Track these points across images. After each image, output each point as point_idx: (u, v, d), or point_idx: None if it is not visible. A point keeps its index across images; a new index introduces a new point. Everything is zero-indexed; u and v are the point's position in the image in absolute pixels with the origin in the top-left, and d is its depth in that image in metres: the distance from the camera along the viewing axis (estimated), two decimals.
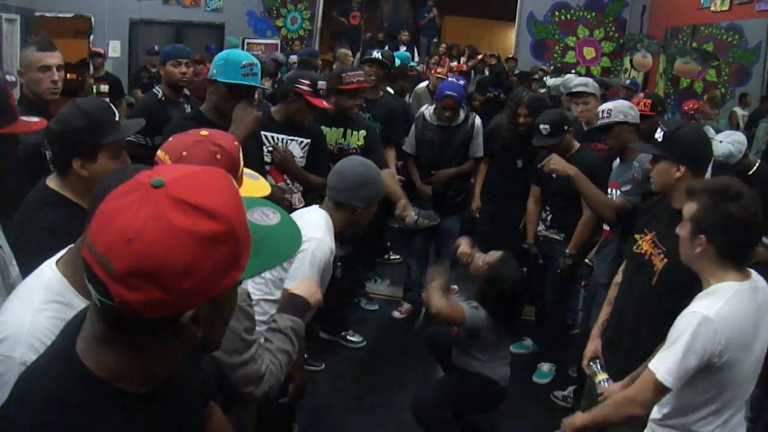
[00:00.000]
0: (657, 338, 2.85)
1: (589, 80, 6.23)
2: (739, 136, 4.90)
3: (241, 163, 2.52)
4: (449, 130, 5.96)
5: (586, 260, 4.86)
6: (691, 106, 8.39)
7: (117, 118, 2.61)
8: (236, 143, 2.47)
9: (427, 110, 6.09)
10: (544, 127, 4.99)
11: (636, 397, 2.65)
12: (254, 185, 2.70)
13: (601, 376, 3.36)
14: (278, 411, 3.60)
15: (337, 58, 8.96)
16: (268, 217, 1.41)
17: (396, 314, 6.40)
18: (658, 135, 3.25)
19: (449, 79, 6.79)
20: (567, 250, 5.11)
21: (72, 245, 1.89)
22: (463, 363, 4.26)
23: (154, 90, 5.18)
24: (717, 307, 2.49)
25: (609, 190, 4.57)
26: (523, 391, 5.26)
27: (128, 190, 1.16)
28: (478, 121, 6.07)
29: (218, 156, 2.33)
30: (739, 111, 11.33)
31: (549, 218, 5.33)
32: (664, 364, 2.53)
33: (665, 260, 3.10)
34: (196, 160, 2.32)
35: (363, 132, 5.27)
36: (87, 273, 1.15)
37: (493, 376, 4.20)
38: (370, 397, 5.01)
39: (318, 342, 5.51)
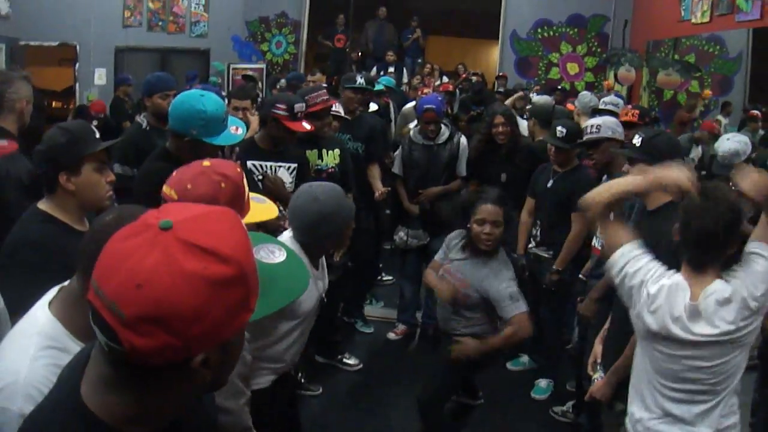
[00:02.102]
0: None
1: (618, 100, 6.41)
2: (746, 138, 4.99)
3: (246, 188, 2.56)
4: (434, 149, 5.95)
5: (581, 276, 4.86)
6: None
7: (97, 136, 2.75)
8: (239, 170, 2.49)
9: (413, 130, 6.09)
10: (560, 130, 5.03)
11: None
12: (262, 208, 2.71)
13: (598, 374, 3.53)
14: None
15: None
16: (274, 254, 1.38)
17: (391, 336, 6.37)
18: (636, 140, 3.46)
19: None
20: (554, 267, 5.10)
21: (63, 284, 1.86)
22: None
23: (138, 120, 5.14)
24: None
25: None
26: (521, 408, 5.27)
27: (135, 231, 1.14)
28: (463, 139, 6.06)
29: (223, 185, 2.38)
30: (723, 119, 11.44)
31: (538, 234, 5.32)
32: None
33: None
34: (202, 190, 2.38)
35: (337, 150, 5.27)
36: (94, 317, 1.13)
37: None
38: (369, 420, 4.98)
39: (314, 366, 5.48)
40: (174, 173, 2.48)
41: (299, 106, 4.51)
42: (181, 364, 1.14)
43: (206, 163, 2.43)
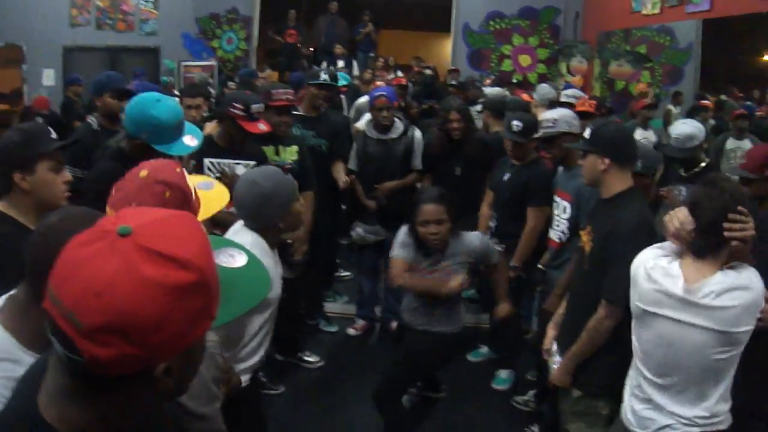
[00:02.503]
0: (589, 317, 3.27)
1: (579, 92, 6.45)
2: (700, 124, 5.08)
3: (191, 187, 2.49)
4: (389, 143, 5.93)
5: (539, 266, 4.90)
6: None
7: (54, 136, 2.76)
8: (178, 170, 2.42)
9: (367, 126, 6.07)
10: (516, 124, 5.01)
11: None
12: (212, 197, 2.66)
13: (556, 358, 3.61)
14: None
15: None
16: (234, 258, 1.35)
17: (351, 331, 6.36)
18: (586, 133, 3.52)
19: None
20: (512, 263, 5.09)
21: (9, 294, 1.82)
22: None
23: (88, 120, 5.05)
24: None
25: (555, 199, 4.64)
26: (483, 399, 5.31)
27: (93, 237, 1.10)
28: (417, 133, 6.04)
29: (167, 194, 2.29)
30: (673, 109, 11.64)
31: (494, 226, 5.36)
32: None
33: (591, 244, 3.36)
34: (147, 205, 2.30)
35: (295, 147, 5.24)
36: (51, 327, 1.09)
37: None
38: (331, 417, 4.97)
39: (275, 365, 5.45)
40: (114, 191, 2.35)
41: (256, 107, 4.47)
42: (142, 374, 1.11)
43: (143, 173, 2.31)
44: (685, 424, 2.80)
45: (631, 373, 2.99)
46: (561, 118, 4.72)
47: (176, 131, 3.35)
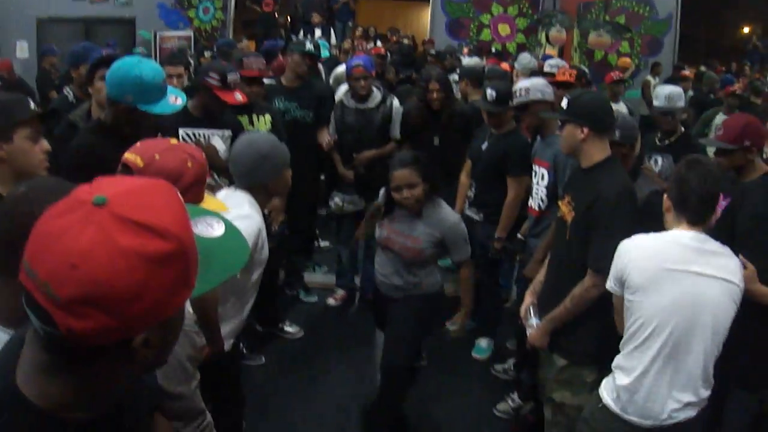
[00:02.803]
0: (571, 286, 3.31)
1: (562, 62, 6.47)
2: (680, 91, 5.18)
3: (207, 174, 2.57)
4: (367, 112, 5.90)
5: (518, 235, 4.92)
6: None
7: (32, 106, 2.72)
8: (203, 155, 2.55)
9: (345, 95, 6.02)
10: (490, 93, 5.00)
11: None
12: (211, 203, 2.70)
13: (532, 321, 3.64)
14: (228, 415, 3.57)
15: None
16: (212, 227, 1.32)
17: (330, 302, 6.36)
18: (564, 102, 3.48)
19: None
20: (496, 235, 5.10)
21: None
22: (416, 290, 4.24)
23: (64, 92, 4.99)
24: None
25: (534, 167, 4.65)
26: (463, 368, 5.36)
27: (67, 208, 1.08)
28: (396, 102, 6.01)
29: (190, 163, 2.43)
30: (652, 80, 11.70)
31: (473, 196, 5.36)
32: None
33: (573, 214, 3.36)
34: (170, 164, 2.45)
35: (268, 116, 5.21)
36: (27, 300, 1.08)
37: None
38: (312, 387, 4.99)
39: (255, 336, 5.45)
40: (138, 143, 2.50)
41: (232, 77, 4.42)
42: (120, 345, 1.10)
43: (173, 140, 2.48)
44: (692, 406, 2.82)
45: (626, 362, 2.90)
46: (533, 86, 4.73)
47: (160, 91, 3.34)
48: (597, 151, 3.37)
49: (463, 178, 5.55)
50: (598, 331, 3.28)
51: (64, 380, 1.16)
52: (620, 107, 7.84)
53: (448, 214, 4.13)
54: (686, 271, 2.74)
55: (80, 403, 1.18)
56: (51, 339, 1.09)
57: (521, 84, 4.88)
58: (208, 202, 2.66)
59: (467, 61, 8.21)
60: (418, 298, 4.19)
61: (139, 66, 3.30)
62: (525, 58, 7.59)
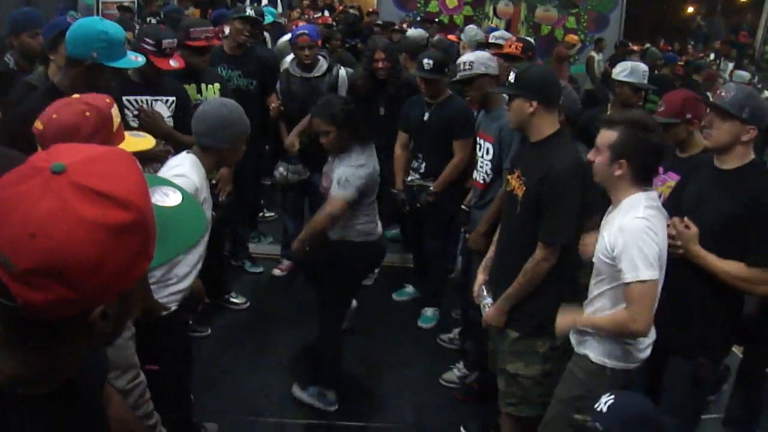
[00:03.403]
0: (522, 261, 3.34)
1: (508, 35, 6.50)
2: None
3: (117, 119, 2.52)
4: (313, 81, 5.84)
5: (463, 206, 4.97)
6: None
7: None
8: (108, 101, 2.46)
9: (291, 63, 5.96)
10: (427, 62, 5.05)
11: (633, 315, 2.89)
12: (137, 140, 2.67)
13: (486, 300, 3.65)
14: (171, 385, 3.56)
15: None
16: (168, 197, 1.30)
17: (276, 272, 6.34)
18: (511, 77, 3.48)
19: None
20: (431, 188, 5.20)
21: None
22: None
23: (5, 59, 4.83)
24: (641, 212, 2.88)
25: (478, 141, 4.69)
26: (409, 337, 5.41)
27: (24, 176, 1.04)
28: (343, 71, 5.98)
29: (87, 113, 2.38)
30: (596, 56, 11.87)
31: (423, 166, 5.37)
32: (634, 268, 2.83)
33: (524, 188, 3.38)
34: (66, 119, 2.41)
35: (217, 84, 5.16)
36: None
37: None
38: (262, 357, 4.99)
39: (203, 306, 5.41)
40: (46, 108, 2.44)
41: (168, 42, 4.34)
42: (78, 318, 1.08)
43: (76, 96, 2.43)
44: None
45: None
46: (477, 59, 4.72)
47: (123, 47, 3.34)
48: (546, 125, 3.39)
49: (398, 151, 5.58)
50: (547, 303, 3.34)
51: (19, 353, 1.14)
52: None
53: (354, 159, 4.19)
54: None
55: (36, 377, 1.16)
56: (6, 312, 1.06)
57: (465, 57, 4.87)
58: (131, 142, 2.64)
59: (411, 32, 8.19)
60: (333, 243, 4.36)
61: (102, 23, 3.30)
62: (471, 30, 7.58)
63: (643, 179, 2.96)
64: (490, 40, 6.61)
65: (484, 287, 3.72)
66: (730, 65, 14.66)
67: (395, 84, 5.85)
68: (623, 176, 2.93)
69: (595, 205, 3.31)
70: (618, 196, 3.00)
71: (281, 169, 5.96)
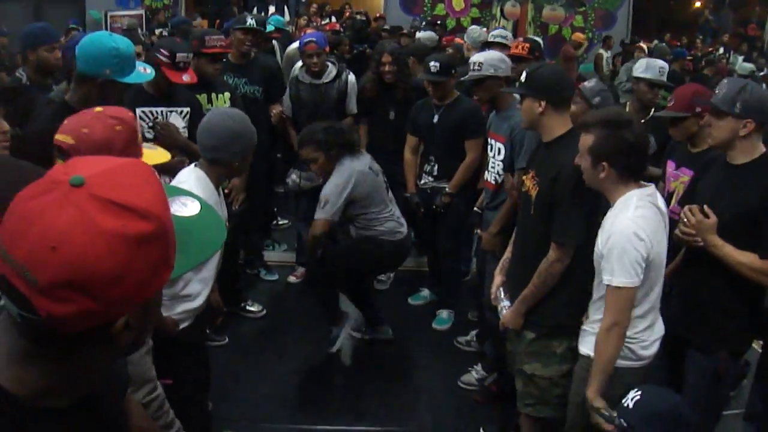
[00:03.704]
0: (538, 261, 3.31)
1: (507, 33, 6.48)
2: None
3: (139, 133, 2.54)
4: (322, 87, 5.86)
5: (475, 208, 4.97)
6: None
7: None
8: (131, 114, 2.48)
9: (300, 70, 5.98)
10: (433, 65, 5.06)
11: (614, 321, 2.87)
12: (153, 153, 2.69)
13: (504, 303, 3.65)
14: (192, 393, 3.56)
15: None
16: (186, 206, 1.31)
17: (291, 279, 6.34)
18: (522, 76, 3.49)
19: None
20: (447, 190, 5.19)
21: None
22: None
23: (17, 74, 4.86)
24: (630, 213, 2.86)
25: (489, 141, 4.69)
26: (426, 341, 5.41)
27: (43, 189, 1.04)
28: (351, 77, 5.99)
29: (118, 127, 2.39)
30: (604, 53, 11.85)
31: (435, 169, 5.37)
32: (614, 273, 2.83)
33: (537, 189, 3.38)
34: (99, 135, 2.40)
35: (228, 94, 5.18)
36: (3, 286, 1.04)
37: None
38: (278, 365, 4.99)
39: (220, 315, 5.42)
40: (66, 121, 2.45)
41: (182, 56, 4.35)
42: (101, 329, 1.08)
43: (98, 109, 2.43)
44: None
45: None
46: (487, 60, 4.68)
47: (133, 62, 3.35)
48: (557, 125, 3.39)
49: (407, 154, 5.58)
50: (565, 303, 3.33)
51: (43, 367, 1.13)
52: None
53: (335, 176, 4.75)
54: (663, 224, 2.96)
55: (59, 390, 1.16)
56: (29, 325, 1.06)
57: (475, 58, 4.84)
58: (148, 156, 2.65)
59: (422, 35, 8.19)
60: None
61: (112, 38, 3.30)
62: (475, 31, 7.58)
63: (630, 176, 2.94)
64: (489, 39, 6.59)
65: (501, 289, 3.71)
66: (740, 58, 14.58)
67: (403, 88, 5.86)
68: (609, 178, 2.92)
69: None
70: (611, 196, 2.99)
71: (293, 176, 5.98)
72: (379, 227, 4.84)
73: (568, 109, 3.51)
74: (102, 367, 1.22)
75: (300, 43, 5.98)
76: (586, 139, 2.94)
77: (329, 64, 5.94)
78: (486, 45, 6.39)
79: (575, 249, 3.25)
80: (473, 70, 4.70)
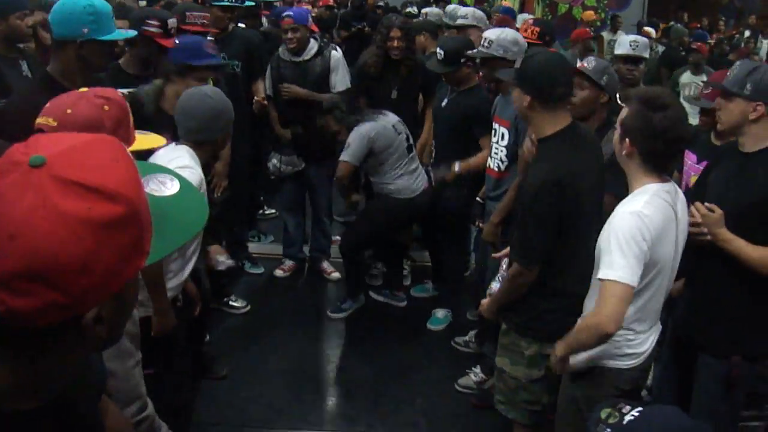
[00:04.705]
0: None
1: (471, 11, 6.40)
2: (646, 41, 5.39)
3: (130, 113, 2.51)
4: (302, 65, 5.85)
5: (477, 198, 4.93)
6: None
7: None
8: (120, 93, 2.48)
9: (282, 48, 5.96)
10: (438, 53, 5.01)
11: (601, 313, 2.77)
12: (147, 138, 2.65)
13: (495, 284, 3.70)
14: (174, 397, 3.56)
15: None
16: (165, 185, 1.27)
17: (279, 273, 6.34)
18: (517, 62, 3.46)
19: None
20: (457, 169, 5.05)
21: None
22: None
23: None
24: (639, 206, 2.78)
25: (494, 126, 4.64)
26: (422, 340, 5.43)
27: (1, 171, 1.02)
28: (336, 53, 5.97)
29: (106, 107, 2.35)
30: (607, 35, 11.66)
31: (434, 153, 5.40)
32: (612, 267, 2.74)
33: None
34: (84, 114, 2.35)
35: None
36: None
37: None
38: (263, 364, 4.99)
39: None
40: (48, 103, 2.41)
41: (172, 22, 4.40)
42: (70, 323, 1.06)
43: (83, 89, 2.41)
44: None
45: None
46: (497, 40, 4.58)
47: (111, 20, 3.36)
48: (545, 124, 3.30)
49: (425, 136, 5.65)
50: (533, 304, 3.33)
51: (7, 366, 1.12)
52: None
53: (362, 125, 5.33)
54: (675, 226, 2.90)
55: (27, 390, 1.14)
56: None
57: (487, 33, 4.76)
58: (141, 140, 2.62)
59: (428, 10, 8.16)
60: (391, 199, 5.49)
61: None
62: (456, 11, 7.52)
63: (653, 166, 2.86)
64: (455, 23, 6.45)
65: (504, 264, 3.68)
66: (766, 43, 14.44)
67: (408, 66, 5.81)
68: (632, 158, 2.86)
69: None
70: (633, 184, 2.91)
71: (274, 160, 5.97)
72: (389, 185, 5.42)
73: (563, 105, 3.38)
74: (73, 365, 1.20)
75: (277, 17, 5.95)
76: (623, 112, 2.91)
77: (311, 40, 5.92)
78: (458, 30, 6.29)
79: (542, 264, 3.23)
80: (482, 46, 4.64)
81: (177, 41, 4.34)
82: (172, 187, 1.28)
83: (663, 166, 2.91)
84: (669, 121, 2.78)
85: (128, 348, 2.84)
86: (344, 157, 5.32)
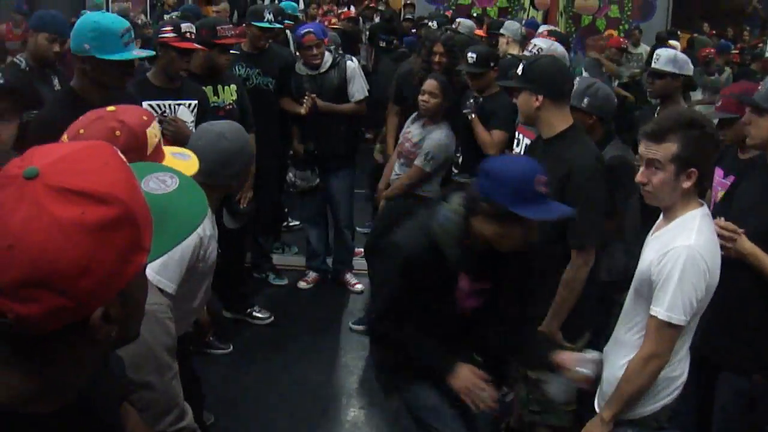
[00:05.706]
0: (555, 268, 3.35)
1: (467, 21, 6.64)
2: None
3: (154, 138, 2.48)
4: (318, 78, 5.90)
5: None
6: None
7: None
8: (146, 118, 2.43)
9: (298, 62, 6.04)
10: (471, 56, 5.19)
11: (653, 348, 2.69)
12: (178, 163, 2.66)
13: None
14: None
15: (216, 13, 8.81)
16: (165, 183, 1.31)
17: (302, 285, 6.36)
18: (519, 68, 3.52)
19: None
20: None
21: None
22: None
23: (15, 60, 4.89)
24: (693, 240, 2.63)
25: (517, 135, 4.70)
26: None
27: None
28: (351, 63, 6.02)
29: (117, 132, 2.31)
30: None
31: (460, 160, 5.43)
32: (664, 304, 2.63)
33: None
34: (92, 138, 2.32)
35: (234, 86, 5.21)
36: None
37: None
38: (284, 375, 5.00)
39: (223, 322, 5.37)
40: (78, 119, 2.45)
41: (186, 26, 4.47)
42: (79, 325, 1.08)
43: (110, 108, 2.38)
44: None
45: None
46: (547, 50, 4.78)
47: (120, 40, 3.34)
48: (557, 120, 3.40)
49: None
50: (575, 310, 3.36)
51: (21, 371, 1.14)
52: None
53: (441, 133, 5.16)
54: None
55: (43, 394, 1.16)
56: (1, 328, 1.06)
57: (537, 41, 5.05)
58: (172, 164, 2.62)
59: (461, 20, 8.23)
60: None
61: (99, 15, 3.40)
62: (513, 25, 7.65)
63: (700, 189, 2.79)
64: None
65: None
66: None
67: (452, 81, 5.86)
68: (689, 187, 2.67)
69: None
70: (676, 212, 2.73)
71: (290, 174, 6.04)
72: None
73: (568, 103, 3.51)
74: (88, 367, 1.22)
75: (297, 35, 6.01)
76: (666, 148, 2.63)
77: (326, 52, 5.98)
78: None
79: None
80: (530, 51, 4.85)
81: None
82: (172, 184, 1.33)
83: (705, 187, 2.92)
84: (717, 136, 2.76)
85: (167, 361, 2.88)
86: (419, 162, 5.18)
